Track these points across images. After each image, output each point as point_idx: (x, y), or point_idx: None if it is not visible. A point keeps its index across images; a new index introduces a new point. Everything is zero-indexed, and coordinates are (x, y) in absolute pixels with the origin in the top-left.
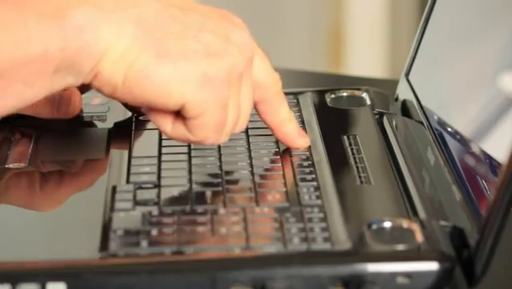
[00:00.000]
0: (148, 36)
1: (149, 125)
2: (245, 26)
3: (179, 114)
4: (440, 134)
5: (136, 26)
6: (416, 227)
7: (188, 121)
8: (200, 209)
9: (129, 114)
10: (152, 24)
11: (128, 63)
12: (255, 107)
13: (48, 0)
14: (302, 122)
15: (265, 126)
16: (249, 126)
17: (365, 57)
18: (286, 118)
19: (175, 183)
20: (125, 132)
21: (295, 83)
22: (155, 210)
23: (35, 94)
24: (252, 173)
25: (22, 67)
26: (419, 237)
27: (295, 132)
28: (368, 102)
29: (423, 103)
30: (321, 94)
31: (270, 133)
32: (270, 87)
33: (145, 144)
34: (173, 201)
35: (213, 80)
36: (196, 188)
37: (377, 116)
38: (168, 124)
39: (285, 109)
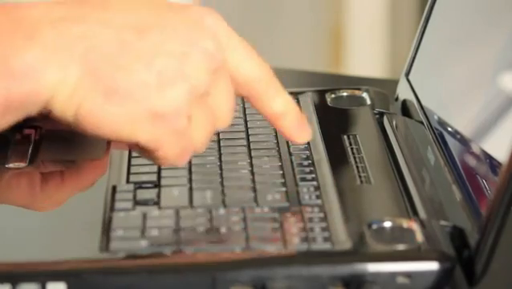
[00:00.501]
0: (96, 74)
1: None
2: (212, 28)
3: None
4: (440, 134)
5: (84, 63)
6: (416, 227)
7: (149, 154)
8: (200, 208)
9: None
10: (100, 58)
11: (76, 104)
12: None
13: None
14: None
15: (265, 126)
16: (249, 126)
17: (365, 57)
18: (279, 112)
19: (175, 183)
20: None
21: (296, 83)
22: (155, 210)
23: None
24: (252, 173)
25: None
26: (419, 237)
27: (292, 126)
28: (368, 102)
29: (423, 102)
30: (321, 94)
31: (270, 132)
32: (257, 82)
33: None
34: (173, 200)
35: (164, 115)
36: (196, 187)
37: (377, 116)
38: (134, 151)
39: (277, 103)
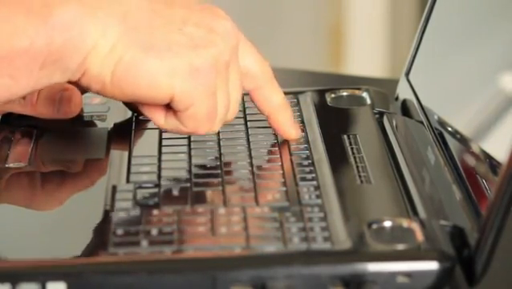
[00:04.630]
0: (134, 31)
1: (149, 125)
2: (228, 17)
3: (170, 106)
4: (440, 133)
5: (122, 23)
6: (416, 227)
7: (179, 113)
8: (200, 208)
9: (129, 114)
10: (136, 20)
11: (115, 59)
12: (249, 96)
13: None
14: (303, 121)
15: (265, 126)
16: (249, 125)
17: (365, 56)
18: (279, 105)
19: (175, 182)
20: (125, 131)
21: (296, 83)
22: (155, 210)
23: (21, 88)
24: (252, 173)
25: (9, 61)
26: (419, 236)
27: (289, 121)
28: (368, 101)
29: (423, 102)
30: (321, 93)
31: (270, 132)
32: (259, 75)
33: (145, 143)
34: (173, 200)
35: (200, 70)
36: (196, 187)
37: (377, 116)
38: (160, 118)
39: (278, 96)
